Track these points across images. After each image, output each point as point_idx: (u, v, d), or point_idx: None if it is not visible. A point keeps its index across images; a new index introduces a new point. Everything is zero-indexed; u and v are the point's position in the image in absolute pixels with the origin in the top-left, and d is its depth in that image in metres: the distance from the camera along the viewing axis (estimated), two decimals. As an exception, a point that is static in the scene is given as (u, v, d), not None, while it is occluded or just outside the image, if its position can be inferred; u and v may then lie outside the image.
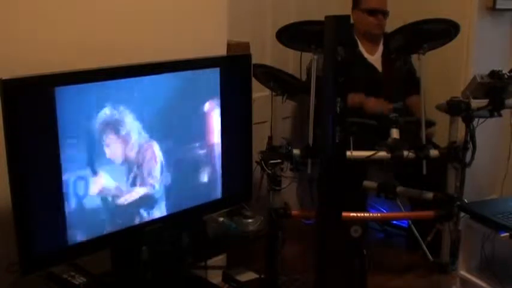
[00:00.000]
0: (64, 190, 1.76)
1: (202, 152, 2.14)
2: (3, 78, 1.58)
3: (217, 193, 2.23)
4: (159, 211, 2.05)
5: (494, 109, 2.42)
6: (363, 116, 2.72)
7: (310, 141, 2.43)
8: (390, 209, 3.05)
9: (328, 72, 1.93)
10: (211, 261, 2.47)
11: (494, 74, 2.39)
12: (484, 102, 2.41)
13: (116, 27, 2.13)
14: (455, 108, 2.42)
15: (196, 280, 2.31)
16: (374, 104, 3.01)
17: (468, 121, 2.41)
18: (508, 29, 3.50)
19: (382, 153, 2.45)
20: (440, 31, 2.50)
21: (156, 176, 2.02)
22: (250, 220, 2.38)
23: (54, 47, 1.96)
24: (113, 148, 1.88)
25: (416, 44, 2.46)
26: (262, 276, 2.57)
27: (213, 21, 2.47)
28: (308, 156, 2.42)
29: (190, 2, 2.38)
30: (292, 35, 2.57)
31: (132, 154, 1.94)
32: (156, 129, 1.99)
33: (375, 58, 3.23)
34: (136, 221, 1.99)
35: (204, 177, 2.18)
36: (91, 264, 1.94)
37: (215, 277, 2.60)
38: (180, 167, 2.08)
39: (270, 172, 2.46)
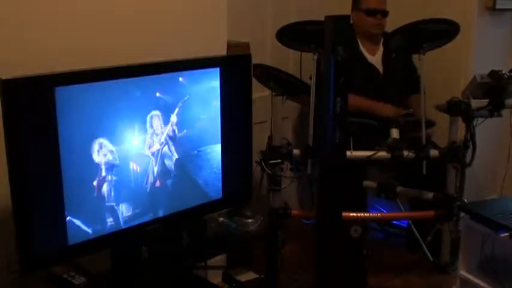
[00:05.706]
0: (64, 190, 1.76)
1: (202, 151, 2.15)
2: (3, 78, 1.58)
3: (217, 193, 2.23)
4: (159, 211, 2.05)
5: (494, 109, 2.42)
6: (363, 116, 2.72)
7: (310, 141, 2.43)
8: (390, 209, 3.05)
9: (328, 72, 1.94)
10: (211, 261, 2.46)
11: (494, 74, 2.39)
12: (484, 102, 2.41)
13: (115, 28, 2.13)
14: (455, 108, 2.42)
15: (196, 280, 2.31)
16: (386, 109, 3.00)
17: (468, 121, 2.42)
18: (508, 29, 3.50)
19: (382, 153, 2.45)
20: (440, 31, 2.50)
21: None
22: (250, 220, 2.38)
23: (54, 47, 1.96)
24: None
25: (416, 44, 2.47)
26: (262, 276, 2.57)
27: (213, 21, 2.47)
28: (308, 156, 2.42)
29: (190, 2, 2.38)
30: (292, 35, 2.57)
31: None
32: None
33: (375, 59, 3.22)
34: (137, 221, 1.99)
35: (205, 177, 2.18)
36: (91, 264, 1.94)
37: (215, 277, 2.60)
38: (181, 166, 2.08)
39: (270, 172, 2.46)
